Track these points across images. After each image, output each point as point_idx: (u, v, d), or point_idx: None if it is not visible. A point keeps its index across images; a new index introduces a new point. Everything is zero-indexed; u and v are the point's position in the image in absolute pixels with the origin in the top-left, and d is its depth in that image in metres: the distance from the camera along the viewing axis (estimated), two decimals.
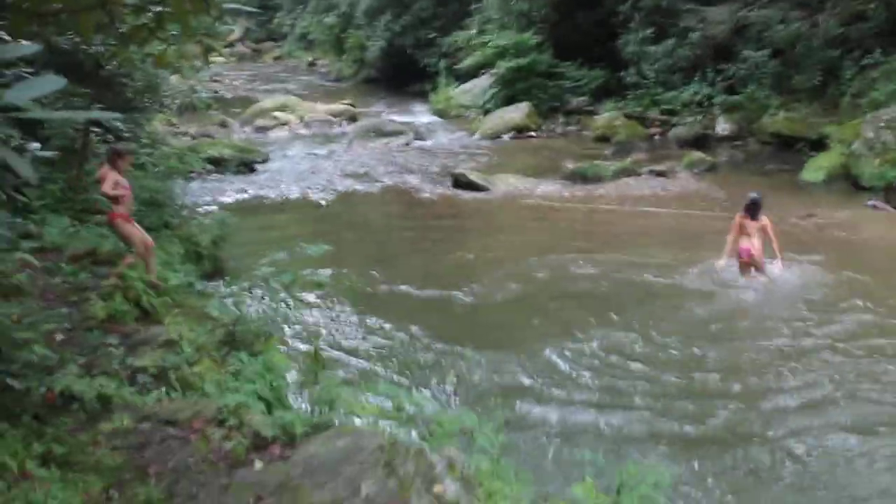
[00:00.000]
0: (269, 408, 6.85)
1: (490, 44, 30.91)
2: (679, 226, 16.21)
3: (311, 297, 11.22)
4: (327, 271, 11.81)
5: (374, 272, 13.32)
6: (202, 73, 17.73)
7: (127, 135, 14.65)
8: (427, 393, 8.28)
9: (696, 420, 8.52)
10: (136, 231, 9.95)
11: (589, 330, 10.92)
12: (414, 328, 11.00)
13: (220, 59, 45.37)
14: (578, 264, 13.82)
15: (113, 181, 9.55)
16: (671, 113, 26.03)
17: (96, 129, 13.04)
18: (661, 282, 12.88)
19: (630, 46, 27.31)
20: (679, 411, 8.70)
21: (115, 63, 12.28)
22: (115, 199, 9.66)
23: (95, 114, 3.15)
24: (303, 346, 10.03)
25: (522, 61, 29.12)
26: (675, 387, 9.30)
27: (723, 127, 24.37)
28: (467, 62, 32.42)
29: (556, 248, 14.73)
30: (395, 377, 9.24)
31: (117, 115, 2.92)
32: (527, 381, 9.47)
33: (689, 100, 25.68)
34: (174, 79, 18.72)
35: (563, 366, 9.90)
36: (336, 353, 9.91)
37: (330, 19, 46.73)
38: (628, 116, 26.46)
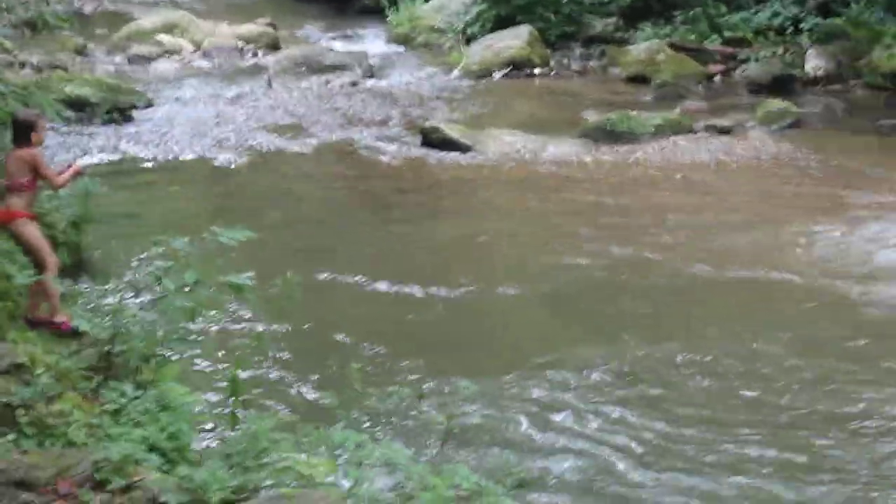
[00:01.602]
0: (169, 463, 6.77)
1: None
2: (754, 206, 16.28)
3: (224, 304, 11.11)
4: (245, 264, 11.69)
5: (312, 267, 13.24)
6: None
7: None
8: (401, 442, 8.22)
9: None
10: (45, 239, 9.80)
11: (639, 340, 11.27)
12: (376, 346, 11.02)
13: None
14: (610, 255, 14.03)
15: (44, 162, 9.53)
16: (739, 43, 26.06)
17: None
18: (747, 276, 13.29)
19: None
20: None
21: None
22: (16, 188, 9.52)
23: None
24: (213, 374, 9.94)
25: None
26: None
27: (814, 64, 24.47)
28: None
29: (575, 234, 14.90)
30: (353, 419, 9.16)
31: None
32: (550, 419, 9.60)
33: (766, 25, 25.76)
34: None
35: (600, 392, 10.11)
36: (264, 385, 9.84)
37: None
38: (676, 48, 26.42)
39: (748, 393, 10.27)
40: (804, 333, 11.66)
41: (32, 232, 9.54)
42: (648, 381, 10.49)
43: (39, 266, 9.52)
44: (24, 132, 9.49)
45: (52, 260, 9.54)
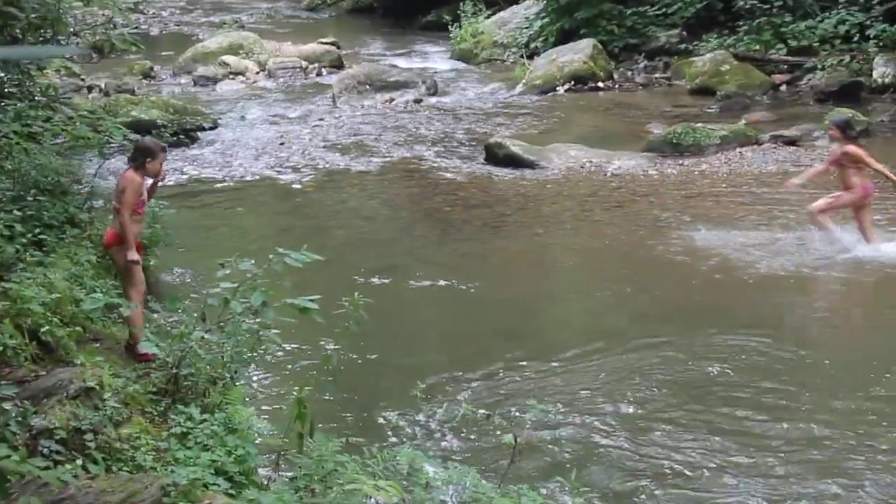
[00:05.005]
0: (236, 487, 6.77)
1: None
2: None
3: (290, 326, 11.12)
4: (311, 284, 11.71)
5: (378, 285, 13.30)
6: None
7: (10, 89, 14.57)
8: (470, 466, 8.16)
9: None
10: (137, 268, 9.87)
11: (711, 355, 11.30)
12: (442, 363, 11.03)
13: None
14: (678, 267, 14.03)
15: (138, 192, 9.60)
16: (805, 52, 25.88)
17: None
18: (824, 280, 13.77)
19: None
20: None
21: None
22: (116, 210, 9.66)
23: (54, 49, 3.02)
24: (279, 396, 9.94)
25: None
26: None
27: (882, 72, 24.19)
28: None
29: (641, 248, 14.90)
30: (422, 441, 9.13)
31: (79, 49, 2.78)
32: (622, 432, 9.51)
33: (833, 33, 25.55)
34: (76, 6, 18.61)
35: (676, 400, 10.11)
36: (330, 407, 9.80)
37: None
38: (740, 58, 26.33)
39: None
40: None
41: (129, 259, 9.62)
42: (709, 391, 10.44)
43: (123, 293, 9.61)
44: (137, 155, 9.66)
45: (135, 290, 9.60)
